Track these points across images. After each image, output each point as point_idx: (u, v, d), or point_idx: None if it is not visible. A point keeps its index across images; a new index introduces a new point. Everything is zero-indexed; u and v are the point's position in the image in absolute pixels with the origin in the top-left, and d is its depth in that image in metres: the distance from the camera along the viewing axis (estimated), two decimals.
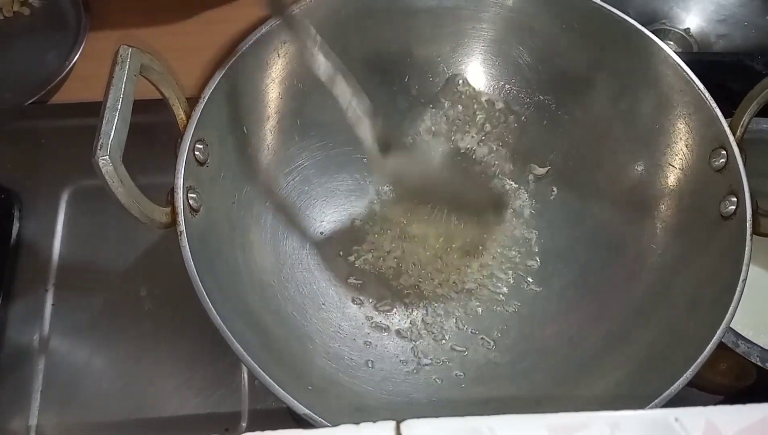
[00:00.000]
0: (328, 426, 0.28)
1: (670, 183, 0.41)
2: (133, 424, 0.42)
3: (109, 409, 0.43)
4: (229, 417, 0.42)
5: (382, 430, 0.20)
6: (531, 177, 0.46)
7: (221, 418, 0.42)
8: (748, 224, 0.36)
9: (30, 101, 0.51)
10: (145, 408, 0.43)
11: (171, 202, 0.34)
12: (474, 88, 0.47)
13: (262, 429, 0.21)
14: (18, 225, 0.47)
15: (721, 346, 0.36)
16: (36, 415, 0.42)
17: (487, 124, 0.47)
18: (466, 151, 0.47)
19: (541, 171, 0.46)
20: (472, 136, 0.47)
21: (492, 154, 0.47)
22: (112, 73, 0.32)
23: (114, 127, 0.31)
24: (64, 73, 0.52)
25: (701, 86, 0.39)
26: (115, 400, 0.43)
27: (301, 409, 0.31)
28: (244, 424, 0.42)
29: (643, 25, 0.41)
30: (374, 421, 0.21)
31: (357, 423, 0.21)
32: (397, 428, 0.21)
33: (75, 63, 0.53)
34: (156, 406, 0.43)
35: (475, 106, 0.47)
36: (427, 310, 0.43)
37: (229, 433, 0.21)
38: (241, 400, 0.43)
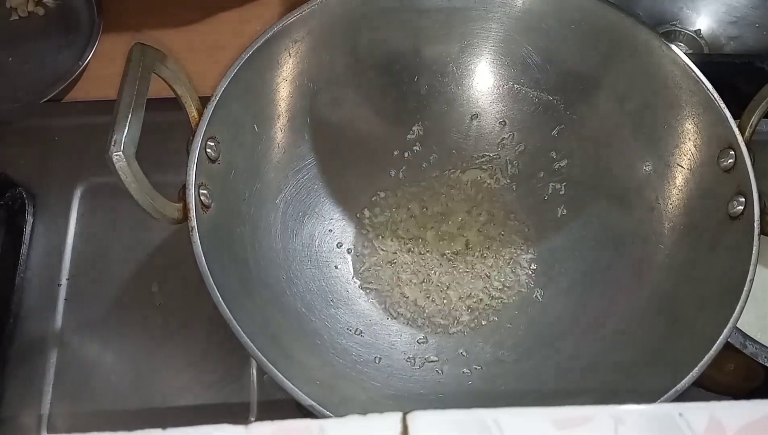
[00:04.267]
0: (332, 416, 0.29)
1: (678, 183, 0.41)
2: (143, 415, 0.43)
3: (120, 402, 0.43)
4: (237, 410, 0.43)
5: (389, 421, 0.21)
6: (541, 174, 0.47)
7: (230, 410, 0.43)
8: (756, 224, 0.36)
9: (43, 100, 0.52)
10: (156, 401, 0.43)
11: (183, 199, 0.35)
12: None
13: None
14: (32, 221, 0.48)
15: (728, 346, 0.36)
16: (48, 407, 0.43)
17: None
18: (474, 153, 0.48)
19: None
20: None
21: (499, 154, 0.48)
22: (126, 71, 0.32)
23: (128, 123, 0.31)
24: (78, 72, 0.53)
25: (710, 86, 0.39)
26: (125, 394, 0.43)
27: (307, 400, 0.31)
28: (252, 419, 0.43)
29: (653, 26, 0.41)
30: (381, 413, 0.21)
31: (364, 414, 0.21)
32: (404, 420, 0.21)
33: (88, 63, 0.53)
34: (166, 399, 0.43)
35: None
36: (434, 309, 0.44)
37: (238, 424, 0.21)
38: (249, 395, 0.43)
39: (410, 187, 0.47)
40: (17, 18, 0.56)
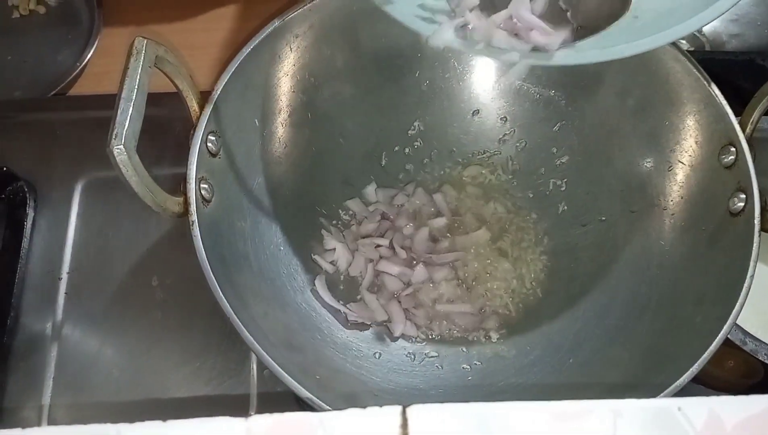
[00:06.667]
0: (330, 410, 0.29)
1: (678, 179, 0.41)
2: (142, 408, 0.43)
3: (120, 395, 0.43)
4: (237, 403, 0.43)
5: (389, 415, 0.21)
6: (542, 170, 0.47)
7: (230, 403, 0.43)
8: (756, 221, 0.36)
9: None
10: (156, 394, 0.43)
11: (183, 192, 0.35)
12: None
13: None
14: (33, 214, 0.48)
15: (728, 343, 0.36)
16: (49, 399, 0.43)
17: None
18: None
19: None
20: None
21: (501, 150, 0.48)
22: (128, 65, 0.32)
23: (129, 117, 0.31)
24: (78, 70, 0.53)
25: (711, 83, 0.39)
26: (125, 387, 0.43)
27: (306, 394, 0.31)
28: (252, 412, 0.43)
29: None
30: (380, 406, 0.21)
31: (364, 407, 0.21)
32: (403, 413, 0.21)
33: (89, 60, 0.53)
34: (166, 392, 0.43)
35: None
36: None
37: (237, 417, 0.21)
38: (249, 388, 0.43)
39: (411, 183, 0.47)
40: (18, 16, 0.56)
